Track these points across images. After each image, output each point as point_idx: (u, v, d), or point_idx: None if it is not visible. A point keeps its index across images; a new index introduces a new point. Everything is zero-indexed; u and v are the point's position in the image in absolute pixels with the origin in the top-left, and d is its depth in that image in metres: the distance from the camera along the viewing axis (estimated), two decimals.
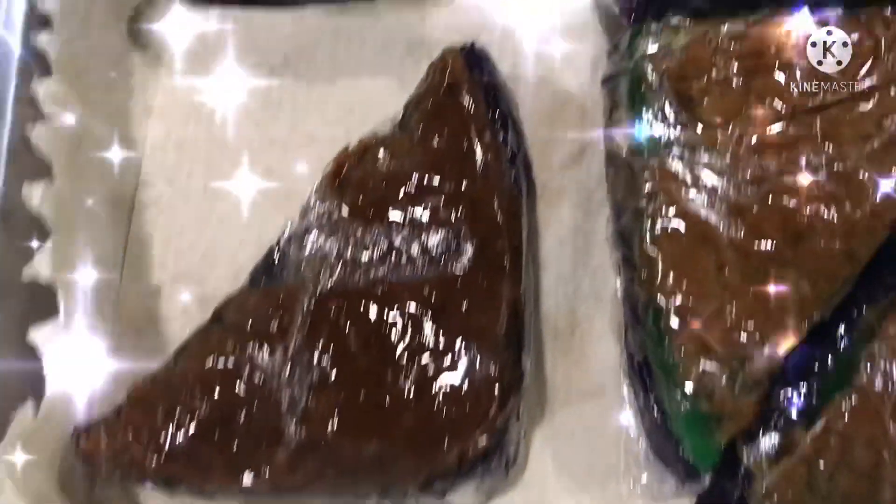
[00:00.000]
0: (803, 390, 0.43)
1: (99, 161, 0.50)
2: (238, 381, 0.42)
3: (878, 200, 0.44)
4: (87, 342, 0.47)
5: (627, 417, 0.48)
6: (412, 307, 0.43)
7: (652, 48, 0.49)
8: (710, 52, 0.48)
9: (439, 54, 0.50)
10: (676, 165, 0.46)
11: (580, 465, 0.48)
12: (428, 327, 0.42)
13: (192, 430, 0.42)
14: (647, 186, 0.46)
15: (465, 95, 0.47)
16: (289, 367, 0.42)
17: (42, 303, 0.47)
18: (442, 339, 0.42)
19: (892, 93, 0.46)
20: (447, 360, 0.42)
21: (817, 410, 0.42)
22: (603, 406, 0.49)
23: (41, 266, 0.46)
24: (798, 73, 0.47)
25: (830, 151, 0.45)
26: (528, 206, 0.51)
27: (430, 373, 0.42)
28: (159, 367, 0.45)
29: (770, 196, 0.45)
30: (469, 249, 0.44)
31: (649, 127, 0.47)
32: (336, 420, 0.41)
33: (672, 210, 0.45)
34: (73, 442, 0.43)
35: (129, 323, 0.52)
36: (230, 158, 0.55)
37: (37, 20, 0.48)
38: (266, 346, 0.43)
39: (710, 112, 0.47)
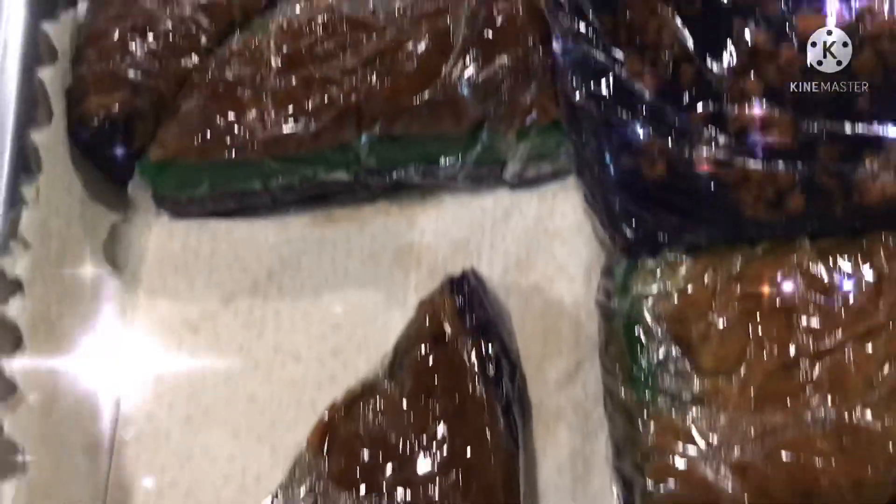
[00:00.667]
0: None
1: (74, 404, 0.48)
2: None
3: (886, 453, 0.43)
4: None
5: None
6: None
7: (649, 288, 0.47)
8: (709, 294, 0.47)
9: (427, 296, 0.48)
10: (677, 419, 0.44)
11: None
12: None
13: None
14: (647, 440, 0.44)
15: (457, 345, 0.45)
16: None
17: None
18: None
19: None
20: None
21: None
22: None
23: None
24: (800, 315, 0.45)
25: (837, 401, 0.43)
26: (523, 433, 0.49)
27: None
28: None
29: (775, 452, 0.43)
30: None
31: (647, 374, 0.46)
32: None
33: (672, 471, 0.43)
34: None
35: None
36: (212, 386, 0.53)
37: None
38: None
39: (711, 359, 0.45)
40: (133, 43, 0.50)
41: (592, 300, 0.52)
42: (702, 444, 0.44)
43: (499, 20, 0.51)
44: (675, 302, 0.46)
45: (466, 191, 0.57)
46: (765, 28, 0.47)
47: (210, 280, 0.55)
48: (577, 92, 0.48)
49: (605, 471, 0.50)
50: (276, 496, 0.46)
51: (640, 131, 0.48)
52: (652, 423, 0.45)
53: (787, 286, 0.47)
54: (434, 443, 0.44)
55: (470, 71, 0.50)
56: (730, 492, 0.43)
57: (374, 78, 0.50)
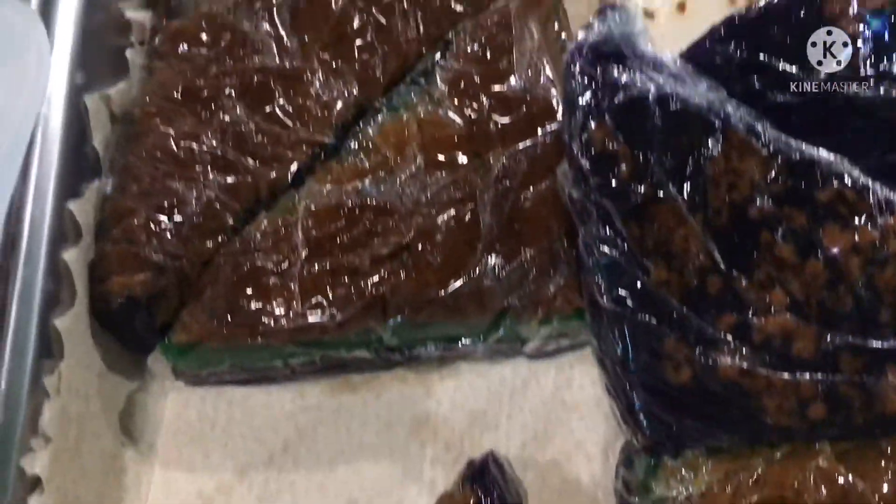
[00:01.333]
0: None
1: None
2: None
3: None
4: None
5: None
6: None
7: (670, 491, 0.47)
8: (730, 497, 0.47)
9: (447, 491, 0.48)
10: None
11: None
12: None
13: None
14: None
15: None
16: None
17: None
18: None
19: None
20: None
21: None
22: None
23: None
24: None
25: None
26: None
27: None
28: None
29: None
30: None
31: None
32: None
33: None
34: None
35: None
36: None
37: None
38: None
39: None
40: (158, 224, 0.50)
41: (610, 479, 0.52)
42: None
43: (525, 209, 0.51)
44: None
45: (484, 361, 0.57)
46: (791, 241, 0.47)
47: (226, 451, 0.55)
48: (603, 296, 0.49)
49: None
50: None
51: (666, 338, 0.48)
52: None
53: (808, 491, 0.47)
54: None
55: (496, 263, 0.50)
56: None
57: (401, 269, 0.50)
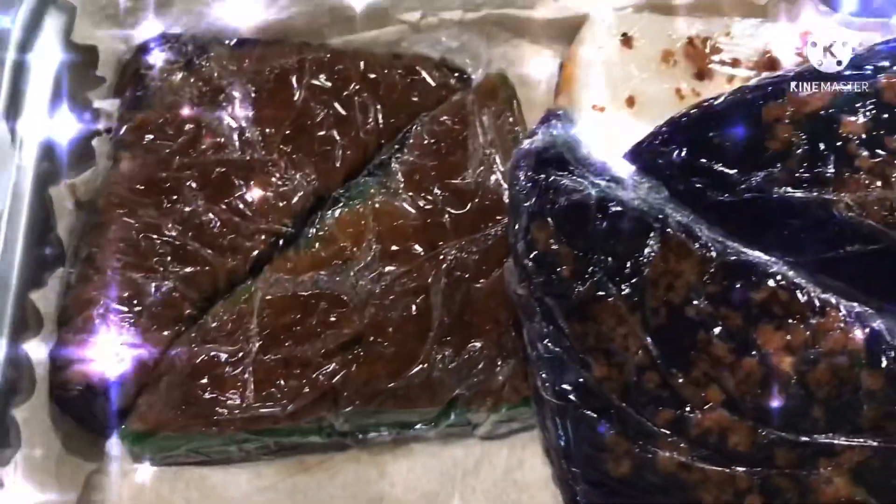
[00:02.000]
0: None
1: None
2: None
3: None
4: None
5: None
6: None
7: None
8: None
9: None
10: None
11: None
12: None
13: None
14: None
15: None
16: None
17: None
18: None
19: None
20: None
21: None
22: None
23: None
24: None
25: None
26: None
27: None
28: None
29: None
30: None
31: None
32: None
33: None
34: None
35: None
36: None
37: None
38: None
39: None
40: (118, 314, 0.52)
41: None
42: None
43: (475, 301, 0.53)
44: None
45: (438, 441, 0.58)
46: (726, 340, 0.49)
47: None
48: (546, 389, 0.50)
49: None
50: None
51: (606, 431, 0.50)
52: None
53: None
54: None
55: (446, 354, 0.52)
56: None
57: (353, 361, 0.51)
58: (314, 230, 0.56)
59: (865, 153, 0.52)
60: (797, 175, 0.51)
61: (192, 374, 0.51)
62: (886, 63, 0.55)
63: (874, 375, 0.49)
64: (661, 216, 0.50)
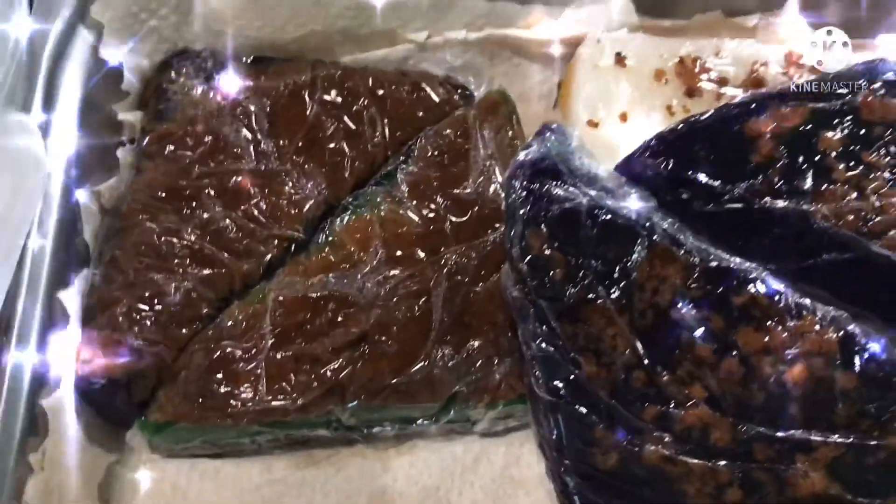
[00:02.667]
0: None
1: None
2: None
3: None
4: None
5: None
6: None
7: None
8: None
9: None
10: None
11: None
12: None
13: None
14: None
15: None
16: None
17: None
18: None
19: None
20: None
21: None
22: None
23: None
24: None
25: None
26: None
27: None
28: None
29: None
30: None
31: None
32: None
33: None
34: None
35: None
36: None
37: None
38: None
39: None
40: (139, 313, 0.55)
41: None
42: None
43: (474, 303, 0.56)
44: None
45: (439, 437, 0.62)
46: (709, 341, 0.52)
47: None
48: (540, 387, 0.54)
49: None
50: None
51: (596, 426, 0.53)
52: None
53: None
54: None
55: (446, 352, 0.56)
56: None
57: (358, 358, 0.55)
58: (324, 236, 0.60)
59: (842, 167, 0.55)
60: (777, 187, 0.55)
61: (208, 369, 0.55)
62: (864, 82, 0.58)
63: (848, 375, 0.52)
64: (648, 224, 0.53)
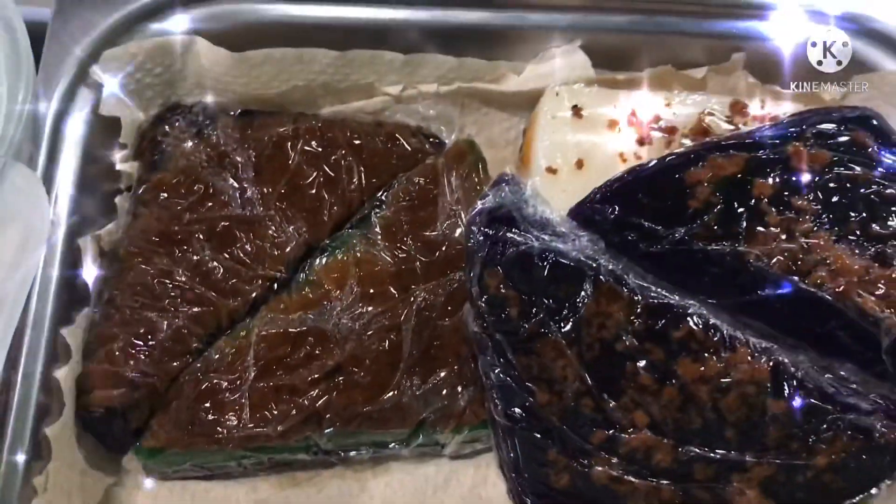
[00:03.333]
0: None
1: None
2: None
3: None
4: None
5: None
6: None
7: None
8: None
9: None
10: None
11: None
12: None
13: None
14: None
15: None
16: None
17: None
18: None
19: None
20: None
21: None
22: None
23: None
24: None
25: None
26: None
27: None
28: None
29: None
30: None
31: None
32: None
33: None
34: None
35: None
36: None
37: None
38: None
39: None
40: (134, 348, 0.61)
41: None
42: None
43: (440, 336, 0.62)
44: None
45: (412, 459, 0.67)
46: (651, 371, 0.58)
47: None
48: (498, 413, 0.59)
49: None
50: None
51: (549, 449, 0.58)
52: None
53: None
54: None
55: (414, 382, 0.61)
56: None
57: (334, 388, 0.60)
58: (304, 276, 0.65)
59: (774, 211, 0.60)
60: (714, 230, 0.60)
61: (197, 399, 0.60)
62: (795, 132, 0.64)
63: (778, 402, 0.58)
64: (594, 265, 0.59)
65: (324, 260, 0.66)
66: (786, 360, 0.58)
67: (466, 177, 0.68)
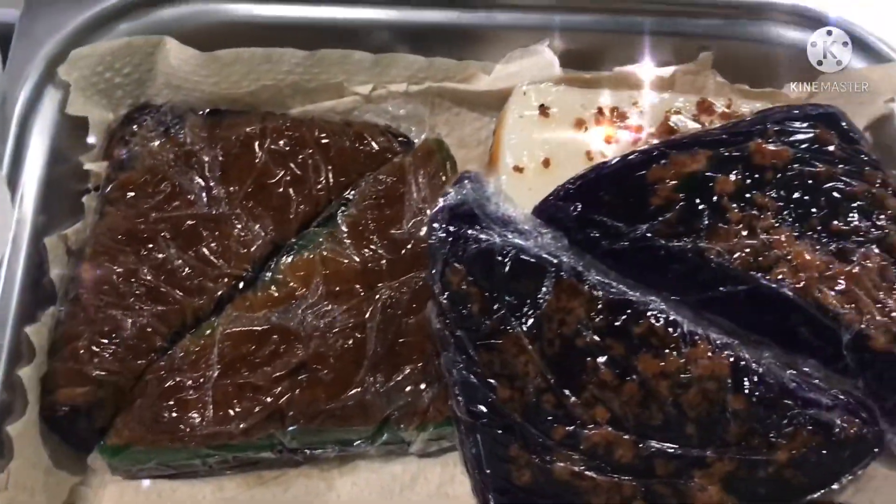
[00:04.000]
0: None
1: None
2: None
3: None
4: None
5: None
6: None
7: None
8: None
9: None
10: None
11: None
12: None
13: None
14: None
15: None
16: None
17: None
18: None
19: None
20: None
21: None
22: None
23: None
24: None
25: None
26: None
27: None
28: None
29: None
30: None
31: None
32: None
33: None
34: None
35: None
36: None
37: None
38: None
39: None
40: (99, 346, 0.61)
41: None
42: None
43: (405, 334, 0.62)
44: None
45: (379, 457, 0.67)
46: (611, 367, 0.58)
47: None
48: (461, 409, 0.59)
49: None
50: None
51: (511, 445, 0.58)
52: None
53: None
54: None
55: (378, 380, 0.61)
56: None
57: (297, 385, 0.60)
58: (270, 274, 0.65)
59: (735, 208, 0.61)
60: (675, 227, 0.61)
61: (161, 396, 0.60)
62: (760, 128, 0.64)
63: (738, 398, 0.58)
64: (556, 262, 0.59)
65: (290, 258, 0.66)
66: (746, 356, 0.59)
67: (434, 175, 0.69)
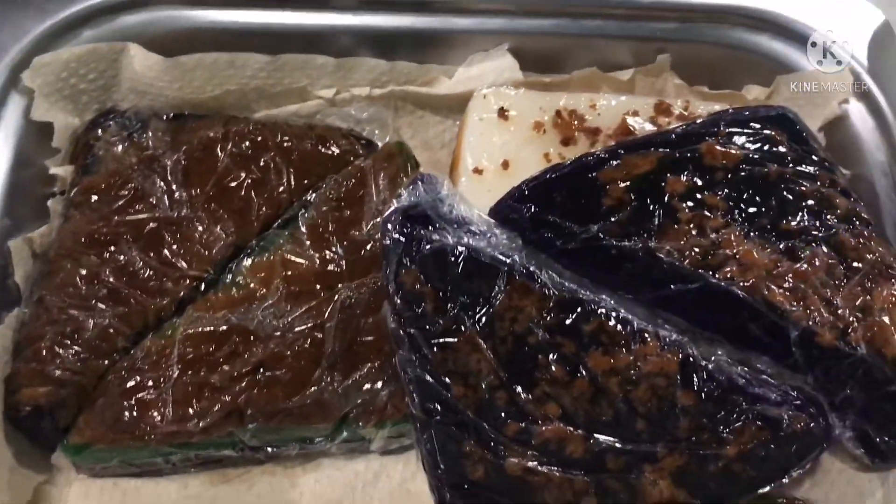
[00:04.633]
0: None
1: None
2: None
3: None
4: None
5: None
6: None
7: None
8: None
9: None
10: None
11: None
12: None
13: None
14: None
15: None
16: None
17: None
18: None
19: None
20: None
21: None
22: None
23: None
24: None
25: None
26: None
27: None
28: None
29: None
30: None
31: None
32: None
33: None
34: None
35: None
36: None
37: None
38: None
39: None
40: (62, 347, 0.62)
41: None
42: None
43: (363, 333, 0.63)
44: None
45: (342, 456, 0.68)
46: (562, 364, 0.59)
47: None
48: (416, 407, 0.60)
49: None
50: None
51: (465, 441, 0.60)
52: None
53: None
54: None
55: (336, 378, 0.62)
56: None
57: (255, 384, 0.62)
58: (231, 276, 0.67)
59: (685, 208, 0.62)
60: (626, 227, 0.62)
61: (122, 396, 0.62)
62: (713, 129, 0.65)
63: (687, 394, 0.59)
64: (508, 261, 0.60)
65: (250, 260, 0.67)
66: (695, 353, 0.60)
67: (394, 178, 0.70)
